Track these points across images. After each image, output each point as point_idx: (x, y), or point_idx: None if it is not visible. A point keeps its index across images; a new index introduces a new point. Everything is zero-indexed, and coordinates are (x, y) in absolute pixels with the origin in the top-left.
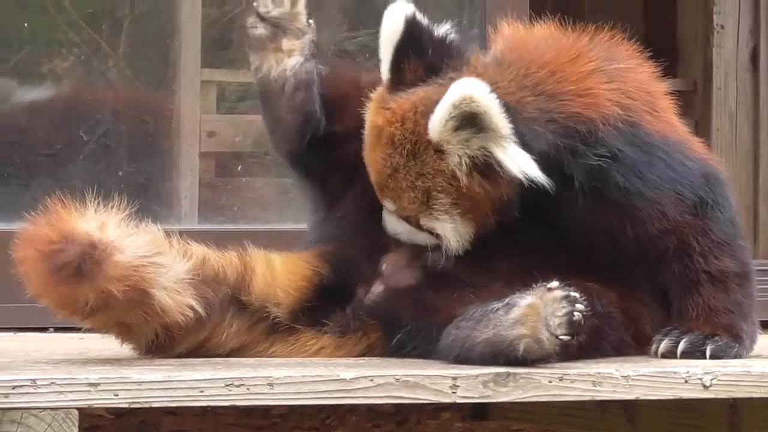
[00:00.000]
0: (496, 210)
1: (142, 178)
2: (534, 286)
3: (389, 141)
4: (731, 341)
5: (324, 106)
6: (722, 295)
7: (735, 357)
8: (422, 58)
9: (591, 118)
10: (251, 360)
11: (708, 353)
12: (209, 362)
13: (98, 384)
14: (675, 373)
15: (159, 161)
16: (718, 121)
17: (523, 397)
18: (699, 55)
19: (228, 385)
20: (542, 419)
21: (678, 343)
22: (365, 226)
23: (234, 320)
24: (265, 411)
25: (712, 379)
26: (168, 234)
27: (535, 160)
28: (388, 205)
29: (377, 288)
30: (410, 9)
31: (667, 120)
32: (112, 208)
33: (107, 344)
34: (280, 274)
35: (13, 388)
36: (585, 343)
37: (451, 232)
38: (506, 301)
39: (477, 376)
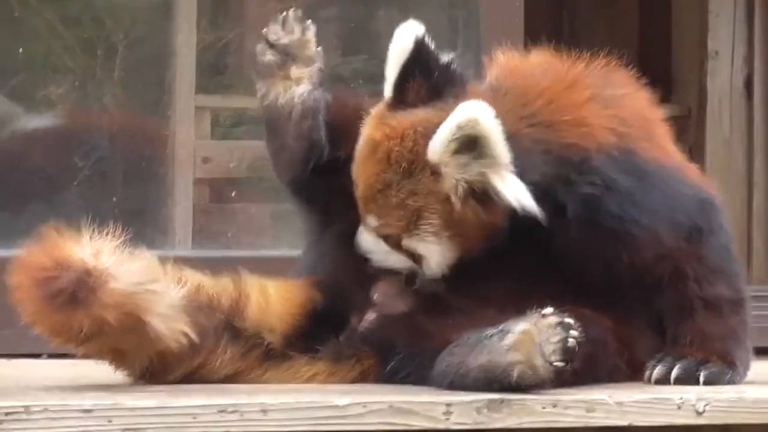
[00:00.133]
0: (485, 236)
1: (136, 203)
2: (528, 312)
3: (385, 156)
4: (725, 367)
5: (328, 133)
6: (716, 322)
7: (728, 383)
8: (427, 79)
9: (586, 147)
10: (245, 386)
11: (702, 379)
12: (203, 388)
13: (92, 410)
14: (668, 399)
15: (153, 187)
16: (713, 147)
17: (517, 424)
18: (693, 81)
19: (221, 412)
20: None
21: (672, 369)
22: (357, 254)
23: (228, 347)
24: None
25: (705, 406)
26: (162, 260)
27: (530, 190)
28: (371, 221)
29: (370, 316)
30: (421, 30)
31: (662, 147)
32: (106, 234)
33: (100, 370)
34: (274, 300)
35: (6, 414)
36: (579, 369)
37: (436, 254)
38: (500, 327)
39: (471, 402)
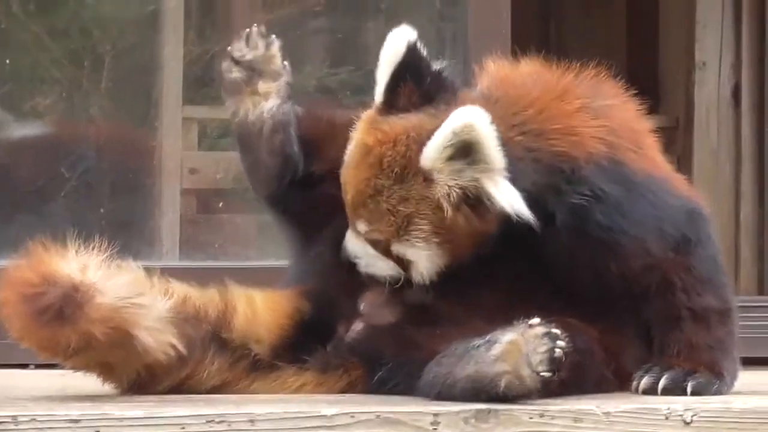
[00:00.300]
0: (475, 242)
1: (123, 214)
2: (515, 322)
3: (377, 162)
4: (712, 378)
5: (301, 147)
6: (704, 332)
7: (716, 393)
8: (419, 85)
9: (575, 156)
10: (233, 396)
11: (689, 390)
12: (191, 399)
13: (79, 420)
14: (656, 409)
15: (140, 198)
16: (700, 157)
17: None
18: (681, 92)
19: (209, 422)
20: None
21: (659, 379)
22: (343, 264)
23: (215, 358)
24: None
25: (692, 416)
26: (149, 272)
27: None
28: (361, 226)
29: (357, 326)
30: (413, 35)
31: (651, 157)
32: (93, 248)
33: (88, 381)
34: (261, 311)
35: None
36: (566, 379)
37: (425, 260)
38: (488, 337)
39: (458, 412)
